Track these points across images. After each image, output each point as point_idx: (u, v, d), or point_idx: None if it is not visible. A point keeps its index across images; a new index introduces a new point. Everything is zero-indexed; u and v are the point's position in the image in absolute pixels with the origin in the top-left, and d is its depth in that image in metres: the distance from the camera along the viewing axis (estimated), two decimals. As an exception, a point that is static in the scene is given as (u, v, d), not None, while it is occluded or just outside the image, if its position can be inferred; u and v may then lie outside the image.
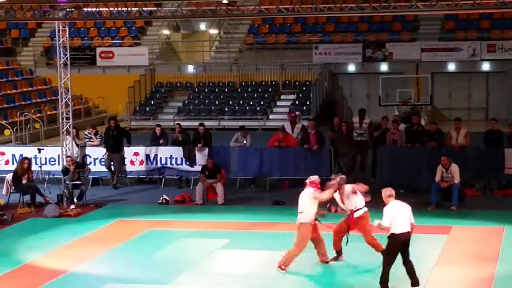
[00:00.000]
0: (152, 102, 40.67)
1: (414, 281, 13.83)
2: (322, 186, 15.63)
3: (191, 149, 23.82)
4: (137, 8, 24.42)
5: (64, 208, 21.19)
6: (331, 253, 15.83)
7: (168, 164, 24.16)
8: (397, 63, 39.88)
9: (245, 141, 24.05)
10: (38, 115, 36.18)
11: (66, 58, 22.85)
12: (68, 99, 22.96)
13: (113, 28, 45.82)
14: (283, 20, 43.59)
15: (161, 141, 24.45)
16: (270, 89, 40.53)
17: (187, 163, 23.84)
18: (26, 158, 22.21)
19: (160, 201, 21.94)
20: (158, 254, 16.96)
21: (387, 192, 14.11)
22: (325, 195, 15.35)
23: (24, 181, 21.53)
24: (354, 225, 15.55)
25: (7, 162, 24.68)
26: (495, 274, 14.97)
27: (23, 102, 38.52)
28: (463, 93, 40.15)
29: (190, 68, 42.68)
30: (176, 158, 24.05)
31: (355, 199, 15.54)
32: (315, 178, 15.67)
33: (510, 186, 22.54)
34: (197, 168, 23.23)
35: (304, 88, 39.81)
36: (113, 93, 40.70)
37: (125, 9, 23.86)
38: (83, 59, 42.41)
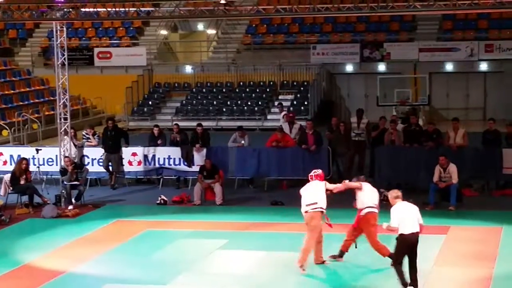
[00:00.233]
0: (150, 103, 40.66)
1: (415, 285, 13.80)
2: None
3: (189, 149, 23.82)
4: (134, 8, 24.40)
5: (62, 208, 21.18)
6: (325, 253, 15.80)
7: (166, 165, 24.15)
8: (395, 63, 39.88)
9: (243, 142, 24.04)
10: (36, 115, 36.15)
11: (64, 59, 22.82)
12: (66, 99, 22.92)
13: (111, 29, 45.80)
14: (281, 20, 43.59)
15: (159, 142, 24.44)
16: (268, 89, 40.52)
17: (185, 163, 23.83)
18: (24, 158, 22.17)
19: (158, 202, 21.94)
20: (157, 254, 16.96)
21: (393, 193, 14.12)
22: (335, 186, 15.55)
23: (22, 182, 21.50)
24: (358, 223, 15.52)
25: (5, 163, 24.66)
26: (493, 274, 14.98)
27: (21, 103, 38.48)
28: (461, 93, 40.16)
29: (188, 69, 42.67)
30: (174, 159, 24.05)
31: (362, 198, 15.51)
32: (319, 171, 15.74)
33: (508, 186, 22.56)
34: (195, 168, 23.21)
35: (302, 88, 39.81)
36: (111, 93, 40.69)
37: (123, 9, 23.86)
38: (81, 60, 42.37)
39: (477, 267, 15.53)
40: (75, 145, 23.86)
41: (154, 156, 24.20)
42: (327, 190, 15.44)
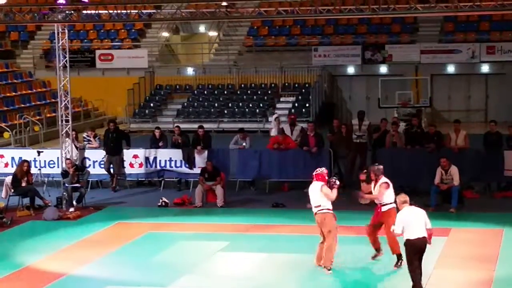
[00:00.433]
0: (152, 105, 40.67)
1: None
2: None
3: (190, 151, 23.82)
4: (136, 11, 24.41)
5: (63, 211, 21.19)
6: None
7: (168, 167, 24.15)
8: (396, 65, 39.88)
9: (244, 144, 24.05)
10: (38, 117, 36.15)
11: (66, 61, 22.85)
12: (68, 101, 22.95)
13: (112, 31, 45.82)
14: (282, 22, 43.65)
15: (160, 144, 24.45)
16: (269, 92, 40.53)
17: (187, 165, 23.83)
18: (25, 160, 22.19)
19: (160, 204, 21.94)
20: (158, 256, 16.95)
21: (401, 198, 14.06)
22: (334, 195, 15.32)
23: (23, 184, 21.52)
24: (378, 218, 15.50)
25: (6, 165, 24.65)
26: (494, 277, 14.97)
27: (23, 105, 38.50)
28: (462, 95, 40.17)
29: (190, 71, 42.68)
30: (176, 161, 24.04)
31: (383, 191, 15.47)
32: (322, 170, 15.61)
33: (510, 188, 22.53)
34: (197, 170, 23.21)
35: (303, 90, 39.81)
36: (112, 95, 40.73)
37: (125, 11, 23.88)
38: (82, 62, 42.38)
39: (478, 269, 15.52)
40: (76, 147, 23.86)
41: (155, 158, 24.21)
42: (325, 195, 15.27)
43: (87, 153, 24.50)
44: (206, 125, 27.49)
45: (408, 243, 13.57)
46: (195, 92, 41.19)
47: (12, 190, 21.61)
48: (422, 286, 13.69)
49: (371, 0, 21.44)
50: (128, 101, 40.12)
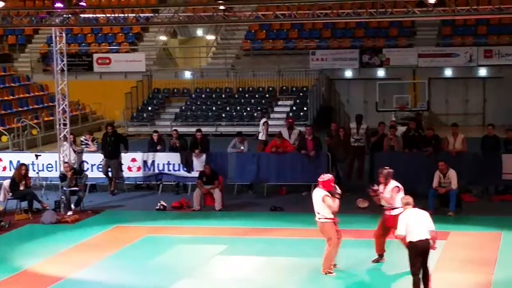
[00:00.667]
0: (149, 108, 40.68)
1: None
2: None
3: (188, 155, 23.82)
4: (134, 14, 24.42)
5: (61, 214, 21.17)
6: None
7: (166, 170, 24.15)
8: (394, 69, 39.90)
9: (242, 147, 24.05)
10: (35, 121, 36.17)
11: (63, 64, 22.84)
12: (65, 105, 22.94)
13: (110, 34, 45.82)
14: (280, 26, 43.64)
15: (158, 147, 24.44)
16: (267, 95, 40.54)
17: (185, 169, 23.83)
18: (23, 164, 22.16)
19: (158, 207, 21.92)
20: (156, 260, 16.94)
21: (404, 200, 14.06)
22: (336, 206, 15.25)
23: (21, 187, 21.49)
24: (389, 222, 15.48)
25: (4, 169, 24.66)
26: (492, 280, 14.97)
27: (20, 109, 38.48)
28: (460, 99, 40.20)
29: (187, 74, 42.68)
30: (174, 164, 24.05)
31: (395, 197, 15.45)
32: (327, 177, 15.50)
33: (508, 191, 22.56)
34: (195, 174, 23.20)
35: (301, 94, 39.83)
36: (110, 99, 40.71)
37: (122, 15, 23.89)
38: (80, 65, 42.36)
39: (476, 273, 15.51)
40: (74, 151, 23.85)
41: (153, 162, 24.21)
42: (327, 206, 15.20)
43: (85, 157, 24.50)
44: (204, 129, 27.49)
45: (411, 245, 13.54)
46: (193, 95, 41.20)
47: (10, 194, 21.59)
48: None
49: (368, 4, 21.47)
50: (126, 104, 40.12)
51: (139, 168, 24.28)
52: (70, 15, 22.87)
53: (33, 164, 23.90)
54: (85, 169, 23.98)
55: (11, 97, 39.31)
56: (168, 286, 15.10)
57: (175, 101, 41.67)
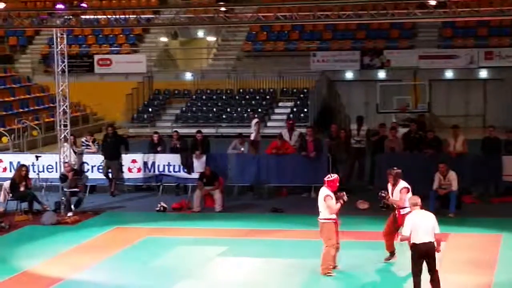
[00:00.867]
0: (150, 110, 40.69)
1: None
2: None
3: (188, 156, 23.81)
4: (135, 16, 24.41)
5: (61, 215, 21.17)
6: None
7: (166, 172, 24.15)
8: (395, 71, 39.91)
9: (242, 149, 24.05)
10: (36, 122, 36.16)
11: (64, 66, 22.83)
12: (66, 106, 22.93)
13: (111, 36, 45.84)
14: (281, 27, 43.67)
15: (158, 149, 24.44)
16: (268, 97, 40.55)
17: (185, 170, 23.82)
18: (23, 165, 22.17)
19: (158, 209, 21.91)
20: (156, 261, 16.93)
21: (412, 200, 13.96)
22: (336, 207, 15.26)
23: (21, 189, 21.49)
24: (398, 221, 15.44)
25: (4, 170, 24.65)
26: (493, 282, 14.96)
27: (21, 110, 38.49)
28: (461, 100, 40.19)
29: (188, 76, 42.70)
30: (174, 166, 24.04)
31: (404, 197, 15.44)
32: (333, 177, 15.49)
33: (508, 193, 22.54)
34: (195, 175, 23.19)
35: (302, 96, 39.85)
36: (111, 100, 40.70)
37: (123, 16, 23.86)
38: (81, 67, 42.36)
39: (476, 275, 15.50)
40: (74, 152, 23.85)
41: (153, 163, 24.20)
42: (328, 206, 15.23)
43: (86, 158, 24.50)
44: (204, 130, 27.51)
45: (413, 247, 13.49)
46: (194, 97, 41.21)
47: (10, 195, 21.60)
48: None
49: (369, 6, 21.47)
50: (127, 106, 40.15)
51: (139, 169, 24.28)
52: (71, 16, 22.85)
53: (33, 165, 23.87)
54: (85, 170, 23.98)
55: (12, 98, 39.32)
56: (169, 287, 15.09)
57: (176, 102, 41.69)
